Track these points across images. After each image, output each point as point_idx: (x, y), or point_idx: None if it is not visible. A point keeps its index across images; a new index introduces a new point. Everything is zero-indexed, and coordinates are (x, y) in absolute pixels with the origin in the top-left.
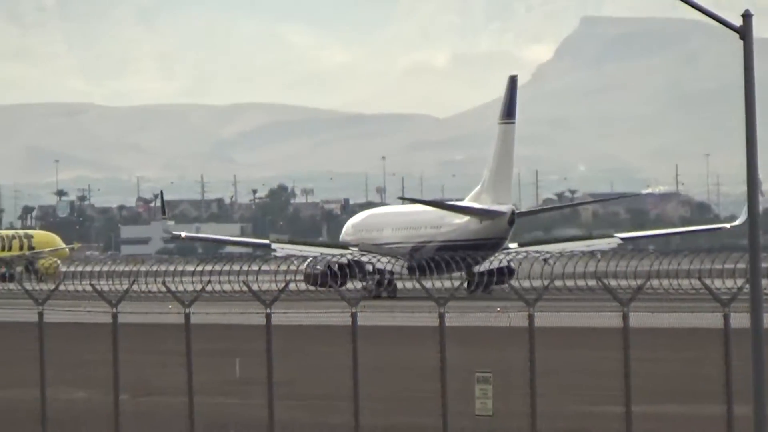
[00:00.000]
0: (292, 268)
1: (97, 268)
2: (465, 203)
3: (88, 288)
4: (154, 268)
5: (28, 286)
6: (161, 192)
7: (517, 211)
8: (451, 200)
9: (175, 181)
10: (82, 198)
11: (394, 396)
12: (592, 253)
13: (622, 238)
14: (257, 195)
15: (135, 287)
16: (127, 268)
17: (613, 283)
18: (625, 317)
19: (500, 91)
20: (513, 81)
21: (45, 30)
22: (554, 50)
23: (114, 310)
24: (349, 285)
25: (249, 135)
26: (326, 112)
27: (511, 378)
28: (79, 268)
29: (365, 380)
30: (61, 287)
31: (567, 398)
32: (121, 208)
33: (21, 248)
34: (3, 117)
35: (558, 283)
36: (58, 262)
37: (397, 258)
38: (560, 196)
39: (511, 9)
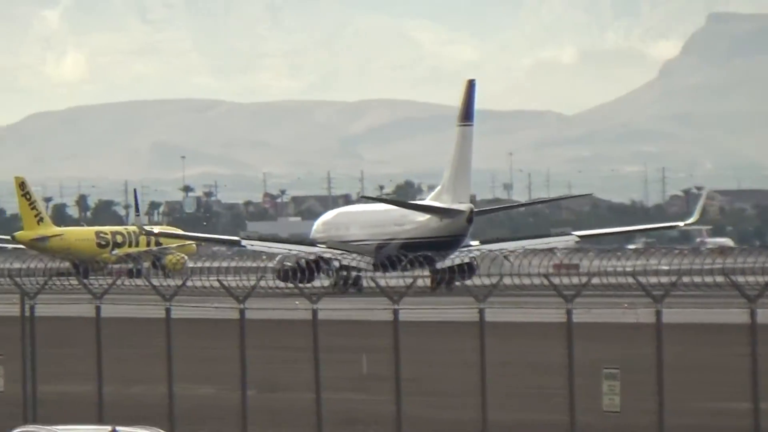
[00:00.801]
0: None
1: (224, 264)
2: (426, 202)
3: (215, 284)
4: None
5: (155, 281)
6: (135, 190)
7: (475, 210)
8: (577, 197)
9: (302, 177)
10: (208, 194)
11: (520, 392)
12: (550, 250)
13: (579, 236)
14: (384, 191)
15: (262, 283)
16: (254, 264)
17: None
18: (753, 313)
19: (628, 87)
20: (471, 85)
21: (173, 26)
22: (681, 47)
23: (241, 306)
24: (316, 282)
25: (376, 131)
26: (453, 108)
27: (637, 374)
28: (206, 264)
29: (491, 376)
30: (188, 283)
31: (693, 394)
32: (247, 204)
33: (148, 244)
34: (131, 113)
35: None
36: (185, 257)
37: (363, 255)
38: (687, 192)
39: (637, 5)
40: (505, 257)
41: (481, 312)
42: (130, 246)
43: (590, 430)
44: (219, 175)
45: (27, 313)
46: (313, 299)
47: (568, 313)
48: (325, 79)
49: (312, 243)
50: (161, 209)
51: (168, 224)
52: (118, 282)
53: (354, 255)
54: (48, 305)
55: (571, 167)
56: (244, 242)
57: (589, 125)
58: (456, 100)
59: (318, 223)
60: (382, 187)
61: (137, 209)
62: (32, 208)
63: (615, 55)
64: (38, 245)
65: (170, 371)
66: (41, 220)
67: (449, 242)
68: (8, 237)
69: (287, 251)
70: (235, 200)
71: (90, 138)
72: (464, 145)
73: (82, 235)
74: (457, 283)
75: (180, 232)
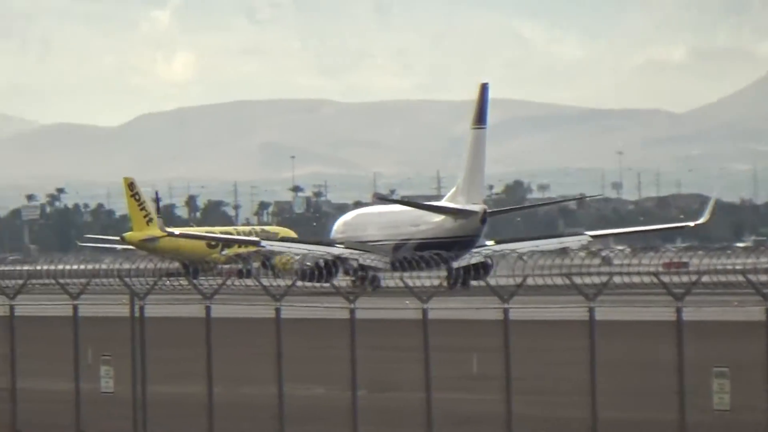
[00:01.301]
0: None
1: None
2: (441, 203)
3: (325, 284)
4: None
5: (265, 282)
6: (156, 192)
7: (488, 211)
8: (686, 195)
9: (412, 177)
10: (317, 194)
11: (629, 390)
12: (563, 250)
13: (591, 236)
14: (493, 191)
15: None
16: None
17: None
18: None
19: (738, 85)
20: (485, 89)
21: (281, 26)
22: None
23: (351, 305)
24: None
25: None
26: (562, 107)
27: (747, 372)
28: None
29: (600, 375)
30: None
31: None
32: (357, 204)
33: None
34: (239, 113)
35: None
36: (295, 258)
37: (380, 255)
38: None
39: (748, 4)
40: (519, 257)
41: (591, 311)
42: (239, 247)
43: (700, 428)
44: (328, 174)
45: (137, 314)
46: (423, 299)
47: (678, 311)
48: (434, 78)
49: (330, 243)
50: (270, 209)
51: (277, 224)
52: (228, 282)
53: (371, 254)
54: (157, 306)
55: (680, 165)
56: (263, 243)
57: (698, 123)
58: (565, 98)
59: (338, 224)
60: (491, 187)
61: (158, 210)
62: (141, 209)
63: (725, 53)
64: (148, 246)
65: (280, 371)
66: (150, 220)
67: (463, 242)
68: (118, 238)
69: (306, 251)
70: (345, 200)
71: (198, 138)
72: (478, 147)
73: None
74: (474, 283)
75: (203, 234)
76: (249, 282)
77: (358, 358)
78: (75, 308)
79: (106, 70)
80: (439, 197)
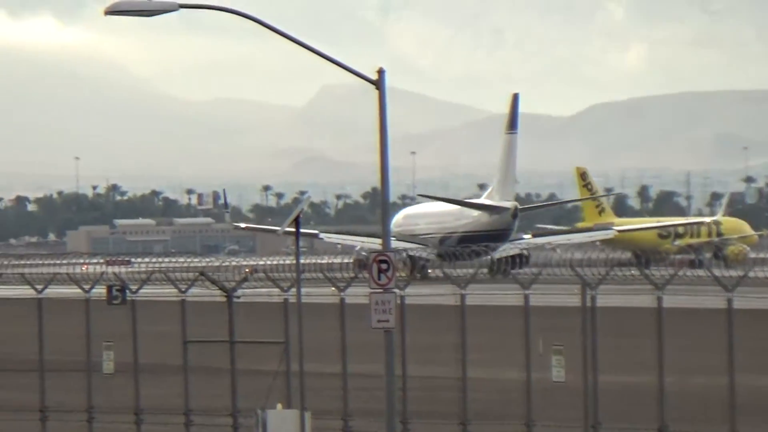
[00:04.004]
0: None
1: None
2: (479, 201)
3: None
4: None
5: (716, 272)
6: (224, 190)
7: (519, 208)
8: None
9: None
10: None
11: None
12: (593, 243)
13: (617, 230)
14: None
15: None
16: None
17: None
18: None
19: None
20: (515, 98)
21: (734, 17)
22: None
23: None
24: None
25: None
26: None
27: None
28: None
29: None
30: (750, 274)
31: None
32: None
33: (709, 235)
34: (692, 104)
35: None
36: (747, 248)
37: (428, 246)
38: None
39: None
40: (553, 249)
41: None
42: (691, 237)
43: None
44: None
45: (588, 304)
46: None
47: None
48: None
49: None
50: (723, 200)
51: (729, 215)
52: (680, 273)
53: (419, 246)
54: (608, 296)
55: None
56: (321, 235)
57: None
58: None
59: (397, 217)
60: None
61: (226, 206)
62: (593, 199)
63: None
64: None
65: (731, 362)
66: (602, 210)
67: (498, 235)
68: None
69: (360, 243)
70: None
71: (652, 129)
72: (510, 150)
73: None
74: (513, 271)
75: (262, 226)
76: (700, 272)
77: None
78: (526, 298)
79: (559, 61)
80: None
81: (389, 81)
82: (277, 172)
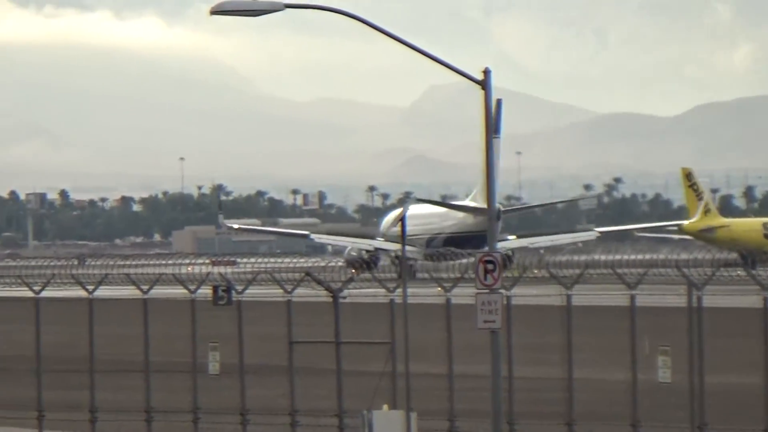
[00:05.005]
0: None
1: None
2: (463, 203)
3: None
4: None
5: None
6: (219, 191)
7: (502, 209)
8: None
9: None
10: None
11: None
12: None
13: (600, 232)
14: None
15: None
16: None
17: None
18: None
19: None
20: (499, 103)
21: None
22: None
23: None
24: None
25: None
26: None
27: None
28: None
29: None
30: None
31: None
32: None
33: None
34: None
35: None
36: None
37: (416, 247)
38: None
39: None
40: (537, 250)
41: None
42: None
43: None
44: None
45: (694, 304)
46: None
47: None
48: None
49: (371, 236)
50: None
51: None
52: None
53: (407, 247)
54: (715, 296)
55: None
56: (312, 236)
57: None
58: None
59: (386, 219)
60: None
61: (220, 206)
62: (699, 199)
63: None
64: (705, 236)
65: None
66: (708, 211)
67: (482, 235)
68: (675, 227)
69: (351, 244)
70: None
71: (757, 129)
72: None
73: (749, 226)
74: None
75: (257, 227)
76: None
77: None
78: (632, 298)
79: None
80: None
81: (494, 81)
82: (381, 172)
